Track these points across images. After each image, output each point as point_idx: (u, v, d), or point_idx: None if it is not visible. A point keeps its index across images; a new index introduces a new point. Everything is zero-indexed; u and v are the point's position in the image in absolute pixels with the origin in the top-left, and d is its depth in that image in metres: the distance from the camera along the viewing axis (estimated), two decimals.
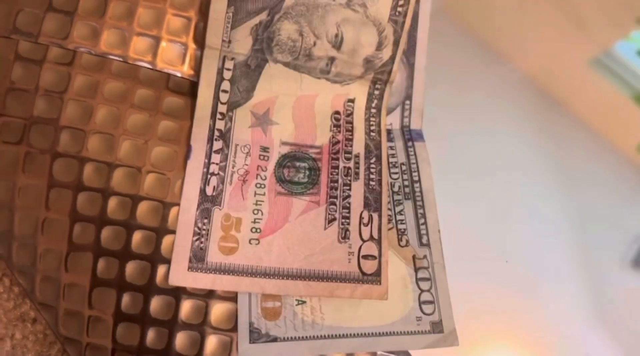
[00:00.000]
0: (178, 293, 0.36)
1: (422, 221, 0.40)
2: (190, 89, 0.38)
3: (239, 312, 0.36)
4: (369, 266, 0.37)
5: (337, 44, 0.39)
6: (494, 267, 0.41)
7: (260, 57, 0.38)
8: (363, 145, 0.40)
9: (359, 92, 0.40)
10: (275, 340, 0.36)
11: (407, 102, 0.42)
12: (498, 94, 0.44)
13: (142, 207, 0.37)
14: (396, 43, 0.40)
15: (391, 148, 0.41)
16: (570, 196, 0.44)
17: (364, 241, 0.38)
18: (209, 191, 0.37)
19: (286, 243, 0.37)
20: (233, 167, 0.37)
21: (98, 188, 0.36)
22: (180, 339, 0.36)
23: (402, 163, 0.41)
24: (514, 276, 0.42)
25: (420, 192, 0.40)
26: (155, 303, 0.36)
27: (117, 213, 0.36)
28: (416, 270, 0.39)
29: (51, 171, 0.36)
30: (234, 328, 0.36)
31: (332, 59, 0.40)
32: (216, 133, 0.37)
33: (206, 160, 0.37)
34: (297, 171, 0.39)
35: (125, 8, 0.38)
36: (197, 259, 0.36)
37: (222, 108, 0.38)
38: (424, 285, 0.38)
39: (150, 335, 0.36)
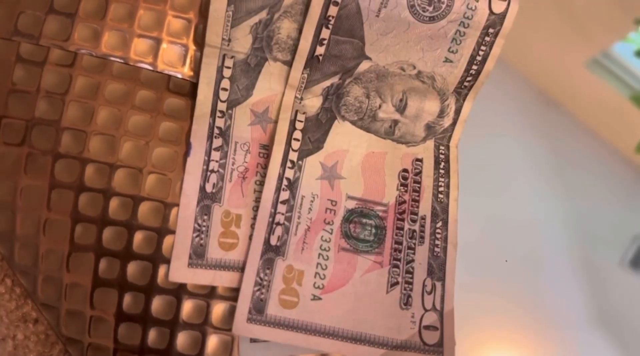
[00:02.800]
0: (179, 293, 0.36)
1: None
2: (190, 90, 0.38)
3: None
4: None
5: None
6: (493, 266, 0.42)
7: (260, 55, 0.39)
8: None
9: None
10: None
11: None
12: (497, 95, 0.44)
13: (144, 208, 0.37)
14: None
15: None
16: (569, 196, 0.45)
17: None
18: (209, 188, 0.37)
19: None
20: (233, 164, 0.38)
21: (99, 189, 0.36)
22: (182, 339, 0.36)
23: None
24: (513, 275, 0.42)
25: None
26: (157, 303, 0.36)
27: (119, 214, 0.36)
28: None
29: (53, 172, 0.36)
30: None
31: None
32: (216, 130, 0.37)
33: (206, 158, 0.37)
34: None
35: (125, 10, 0.38)
36: (197, 255, 0.36)
37: (221, 106, 0.38)
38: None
39: (152, 334, 0.36)
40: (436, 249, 0.39)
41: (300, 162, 0.38)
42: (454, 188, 0.40)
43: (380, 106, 0.40)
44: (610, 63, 0.47)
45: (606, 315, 0.42)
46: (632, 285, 0.44)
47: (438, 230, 0.39)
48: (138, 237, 0.36)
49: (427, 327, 0.37)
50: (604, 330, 0.42)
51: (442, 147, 0.41)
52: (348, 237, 0.38)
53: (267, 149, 0.38)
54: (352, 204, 0.39)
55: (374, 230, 0.39)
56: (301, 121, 0.39)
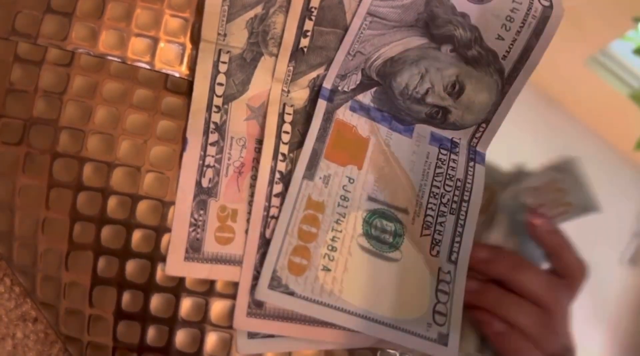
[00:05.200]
0: (178, 291, 0.36)
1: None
2: (188, 88, 0.38)
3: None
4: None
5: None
6: None
7: (256, 50, 0.39)
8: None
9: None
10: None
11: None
12: None
13: (142, 206, 0.37)
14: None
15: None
16: None
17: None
18: (205, 183, 0.37)
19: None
20: (229, 159, 0.38)
21: (98, 188, 0.37)
22: (181, 336, 0.36)
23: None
24: None
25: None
26: (156, 301, 0.36)
27: (117, 212, 0.37)
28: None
29: (51, 171, 0.36)
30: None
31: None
32: (212, 125, 0.38)
33: (202, 153, 0.37)
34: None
35: (123, 9, 0.38)
36: (194, 249, 0.36)
37: (217, 101, 0.38)
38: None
39: (151, 332, 0.36)
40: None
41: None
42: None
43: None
44: (609, 61, 0.47)
45: (605, 312, 0.42)
46: (632, 283, 0.44)
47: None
48: (136, 235, 0.37)
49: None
50: (603, 327, 0.42)
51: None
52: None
53: (262, 144, 0.38)
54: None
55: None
56: (289, 114, 0.39)
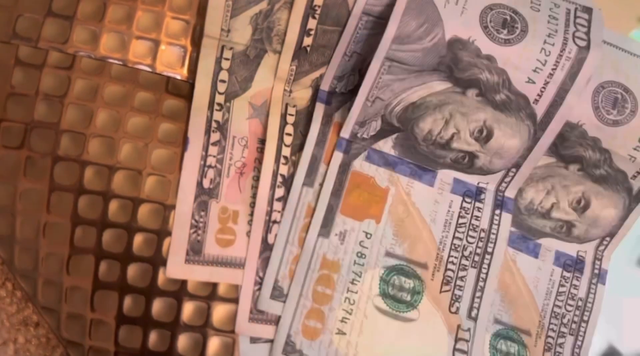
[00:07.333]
0: (180, 295, 0.36)
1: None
2: (189, 91, 0.38)
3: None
4: None
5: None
6: None
7: (260, 47, 0.38)
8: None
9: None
10: None
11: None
12: None
13: (143, 210, 0.37)
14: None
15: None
16: None
17: None
18: (206, 184, 0.37)
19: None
20: (230, 159, 0.37)
21: (99, 191, 0.36)
22: (183, 341, 0.36)
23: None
24: None
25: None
26: (157, 305, 0.36)
27: (118, 216, 0.36)
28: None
29: (52, 175, 0.36)
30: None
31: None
32: (214, 124, 0.37)
33: (203, 153, 0.37)
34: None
35: (124, 12, 0.38)
36: (195, 252, 0.36)
37: (219, 98, 0.38)
38: None
39: (153, 337, 0.36)
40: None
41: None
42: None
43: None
44: None
45: (612, 314, 0.42)
46: (639, 284, 0.44)
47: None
48: (138, 239, 0.36)
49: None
50: (610, 327, 0.42)
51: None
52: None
53: (264, 144, 0.38)
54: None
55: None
56: (292, 115, 0.38)
